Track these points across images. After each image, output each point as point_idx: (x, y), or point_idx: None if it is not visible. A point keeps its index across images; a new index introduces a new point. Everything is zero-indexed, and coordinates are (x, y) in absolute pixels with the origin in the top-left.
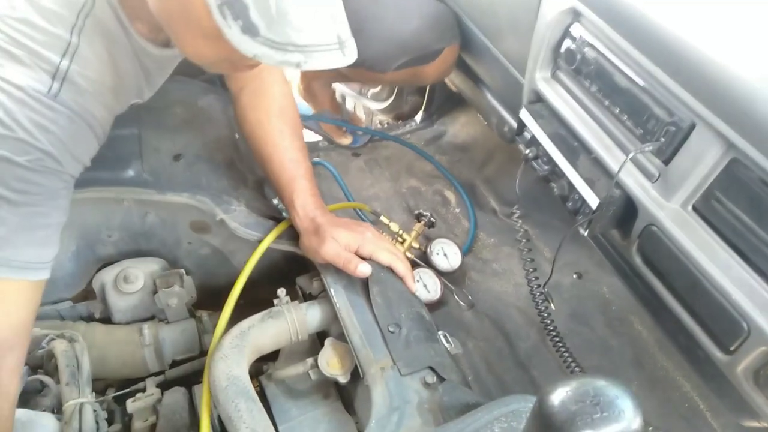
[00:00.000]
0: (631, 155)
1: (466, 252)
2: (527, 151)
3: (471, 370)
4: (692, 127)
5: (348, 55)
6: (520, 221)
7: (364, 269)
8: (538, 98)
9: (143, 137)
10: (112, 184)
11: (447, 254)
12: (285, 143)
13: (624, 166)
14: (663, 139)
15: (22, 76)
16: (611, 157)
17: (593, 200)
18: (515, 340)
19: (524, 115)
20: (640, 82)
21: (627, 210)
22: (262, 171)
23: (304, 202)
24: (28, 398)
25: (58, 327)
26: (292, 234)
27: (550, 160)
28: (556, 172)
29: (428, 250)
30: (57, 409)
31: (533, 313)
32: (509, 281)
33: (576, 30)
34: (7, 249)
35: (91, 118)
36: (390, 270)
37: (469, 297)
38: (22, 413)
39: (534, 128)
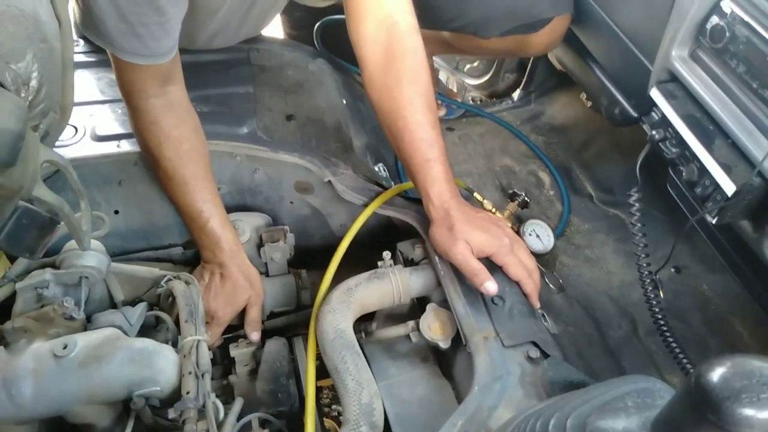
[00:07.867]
0: None
1: (558, 235)
2: (654, 132)
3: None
4: None
5: None
6: (638, 204)
7: (489, 287)
8: (671, 78)
9: (258, 96)
10: (228, 138)
11: (540, 236)
12: (417, 117)
13: None
14: None
15: None
16: (754, 143)
17: (729, 187)
18: (605, 328)
19: (655, 94)
20: None
21: (765, 199)
22: (391, 144)
23: (440, 190)
24: (145, 332)
25: (173, 269)
26: (396, 201)
27: (680, 143)
28: (686, 156)
29: (520, 230)
30: (172, 344)
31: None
32: (602, 269)
33: (726, 5)
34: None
35: None
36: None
37: (560, 281)
38: (149, 343)
39: (666, 109)
